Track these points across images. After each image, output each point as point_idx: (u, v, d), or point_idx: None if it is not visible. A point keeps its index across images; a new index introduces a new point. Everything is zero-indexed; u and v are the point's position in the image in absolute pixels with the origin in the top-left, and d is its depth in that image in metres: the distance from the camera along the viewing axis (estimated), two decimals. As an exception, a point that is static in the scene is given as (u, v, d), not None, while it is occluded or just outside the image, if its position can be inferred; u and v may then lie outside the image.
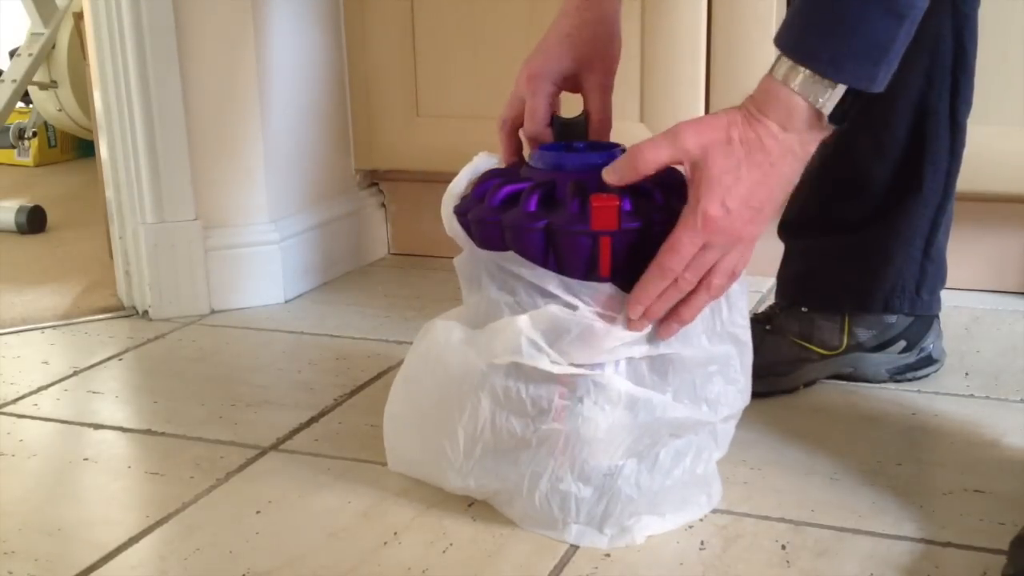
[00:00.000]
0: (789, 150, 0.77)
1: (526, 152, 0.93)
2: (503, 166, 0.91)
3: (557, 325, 0.81)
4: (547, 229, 0.81)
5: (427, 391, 0.91)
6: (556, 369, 0.81)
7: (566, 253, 0.82)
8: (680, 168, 0.81)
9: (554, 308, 0.82)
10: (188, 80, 1.44)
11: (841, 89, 0.75)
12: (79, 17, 1.66)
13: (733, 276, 0.83)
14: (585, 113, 0.94)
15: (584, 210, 0.80)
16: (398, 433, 0.97)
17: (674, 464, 0.87)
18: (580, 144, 0.90)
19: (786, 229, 1.18)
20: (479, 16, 1.59)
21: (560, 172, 0.85)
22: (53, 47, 2.47)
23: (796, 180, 0.80)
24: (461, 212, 0.87)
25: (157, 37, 1.40)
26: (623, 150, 0.85)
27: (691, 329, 0.84)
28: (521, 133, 0.94)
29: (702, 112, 1.46)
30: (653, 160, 0.79)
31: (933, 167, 1.09)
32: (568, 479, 0.85)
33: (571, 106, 0.95)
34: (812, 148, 0.78)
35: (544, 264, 0.83)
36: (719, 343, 0.87)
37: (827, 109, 0.76)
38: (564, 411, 0.83)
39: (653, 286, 0.80)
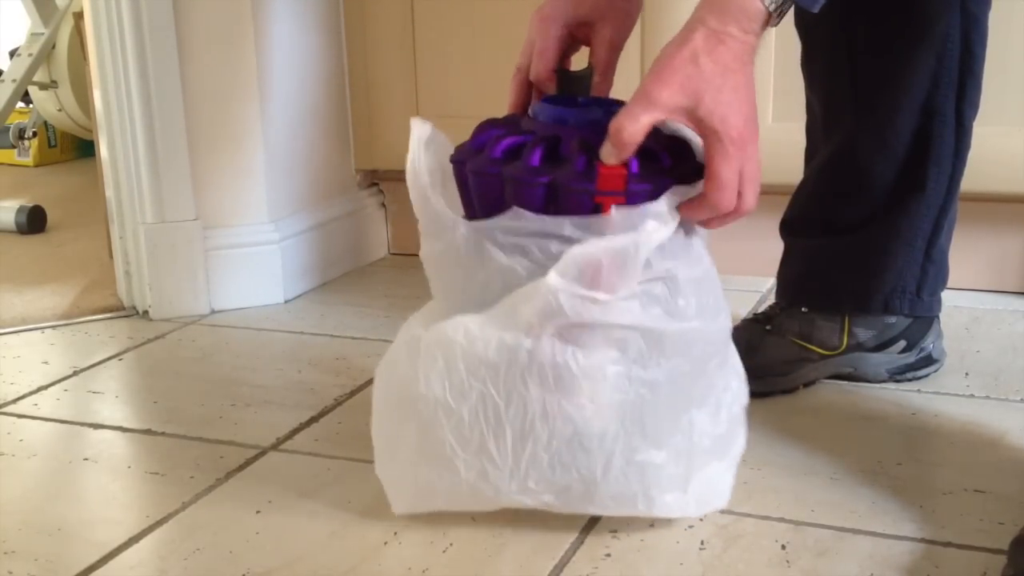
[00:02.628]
0: (750, 50, 0.79)
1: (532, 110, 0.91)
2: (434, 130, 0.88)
3: (586, 264, 0.78)
4: (550, 185, 0.80)
5: (444, 404, 0.84)
6: (604, 301, 0.78)
7: (568, 211, 0.80)
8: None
9: (575, 249, 0.78)
10: (188, 80, 1.44)
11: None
12: (79, 17, 1.66)
13: (759, 182, 0.83)
14: (590, 67, 0.92)
15: (590, 168, 0.79)
16: (403, 468, 0.88)
17: (720, 404, 0.86)
18: (582, 99, 0.88)
19: (787, 228, 1.18)
20: (479, 16, 1.60)
21: (563, 127, 0.83)
22: (53, 47, 2.48)
23: None
24: (457, 161, 0.84)
25: (157, 37, 1.40)
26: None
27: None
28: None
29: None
30: (634, 131, 0.78)
31: (937, 169, 1.09)
32: (642, 447, 0.83)
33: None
34: (756, 48, 0.80)
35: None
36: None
37: (778, 8, 0.78)
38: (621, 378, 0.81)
39: (706, 215, 0.81)
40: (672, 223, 0.80)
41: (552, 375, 0.81)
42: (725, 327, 0.87)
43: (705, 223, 0.83)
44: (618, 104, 0.85)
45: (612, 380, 0.81)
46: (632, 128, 0.78)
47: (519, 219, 0.81)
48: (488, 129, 0.86)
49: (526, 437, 0.82)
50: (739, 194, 0.80)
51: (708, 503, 0.88)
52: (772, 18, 0.78)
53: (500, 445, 0.83)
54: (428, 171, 0.85)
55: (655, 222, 0.79)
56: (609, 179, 0.79)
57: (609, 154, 0.79)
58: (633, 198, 0.79)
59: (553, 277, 0.78)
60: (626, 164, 0.79)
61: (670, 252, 0.82)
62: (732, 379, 0.88)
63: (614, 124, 0.79)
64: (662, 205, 0.79)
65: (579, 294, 0.78)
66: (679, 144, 0.82)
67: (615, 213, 0.79)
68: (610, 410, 0.82)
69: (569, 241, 0.79)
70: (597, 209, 0.79)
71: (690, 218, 0.82)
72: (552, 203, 0.80)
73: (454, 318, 0.84)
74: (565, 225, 0.79)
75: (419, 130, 0.87)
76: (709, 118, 0.77)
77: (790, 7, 0.79)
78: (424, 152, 0.86)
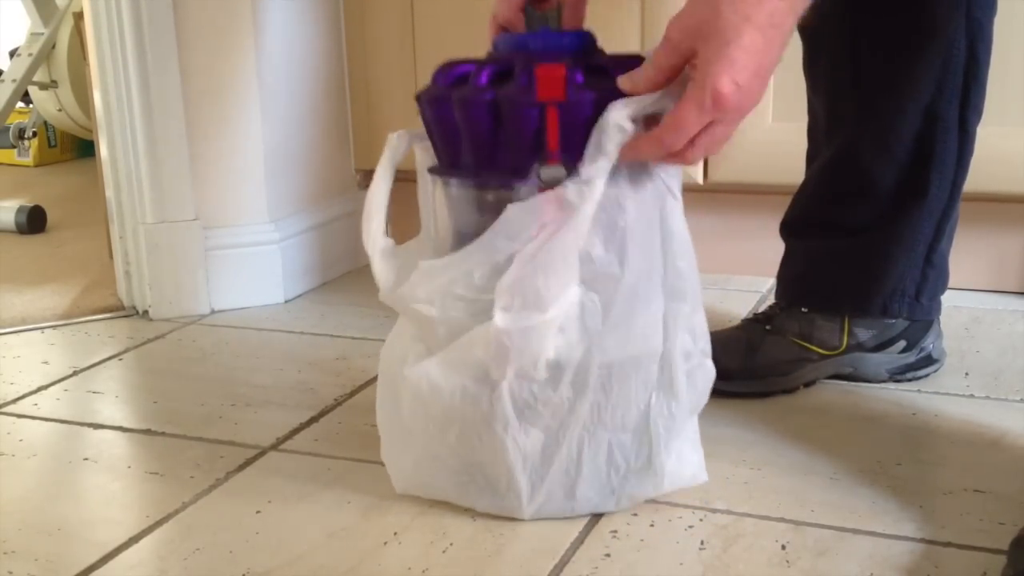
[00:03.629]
0: (793, 9, 0.74)
1: None
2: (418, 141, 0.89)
3: (520, 282, 0.79)
4: (494, 102, 0.79)
5: (428, 432, 0.89)
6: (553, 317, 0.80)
7: (513, 127, 0.79)
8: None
9: (506, 278, 0.79)
10: (188, 80, 1.44)
11: None
12: (79, 17, 1.66)
13: (722, 145, 0.79)
14: (558, 6, 0.91)
15: (533, 82, 0.78)
16: (400, 452, 0.94)
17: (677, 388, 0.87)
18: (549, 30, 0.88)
19: (787, 229, 1.18)
20: (479, 16, 1.59)
21: (521, 53, 0.82)
22: (53, 47, 2.48)
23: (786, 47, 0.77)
24: (434, 98, 0.84)
25: (157, 37, 1.40)
26: (591, 35, 0.83)
27: None
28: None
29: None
30: (648, 64, 0.76)
31: (940, 174, 1.08)
32: (605, 435, 0.86)
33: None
34: (801, 12, 0.75)
35: (491, 142, 0.80)
36: None
37: None
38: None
39: (650, 155, 0.78)
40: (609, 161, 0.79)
41: (515, 414, 0.84)
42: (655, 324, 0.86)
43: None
44: (585, 33, 0.84)
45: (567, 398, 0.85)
46: (647, 63, 0.76)
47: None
48: (452, 67, 0.84)
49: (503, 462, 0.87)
50: (691, 143, 0.76)
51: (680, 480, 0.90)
52: None
53: (488, 466, 0.88)
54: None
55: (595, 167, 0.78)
56: (547, 82, 0.77)
57: (625, 80, 0.78)
58: (576, 108, 0.78)
59: (499, 318, 0.80)
60: (567, 70, 0.78)
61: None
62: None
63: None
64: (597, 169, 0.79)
65: (526, 325, 0.80)
66: (630, 63, 0.81)
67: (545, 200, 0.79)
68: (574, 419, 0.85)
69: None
70: (542, 124, 0.78)
71: (630, 156, 0.79)
72: (499, 123, 0.79)
73: (418, 363, 0.87)
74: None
75: (396, 141, 0.89)
76: (704, 65, 0.73)
77: None
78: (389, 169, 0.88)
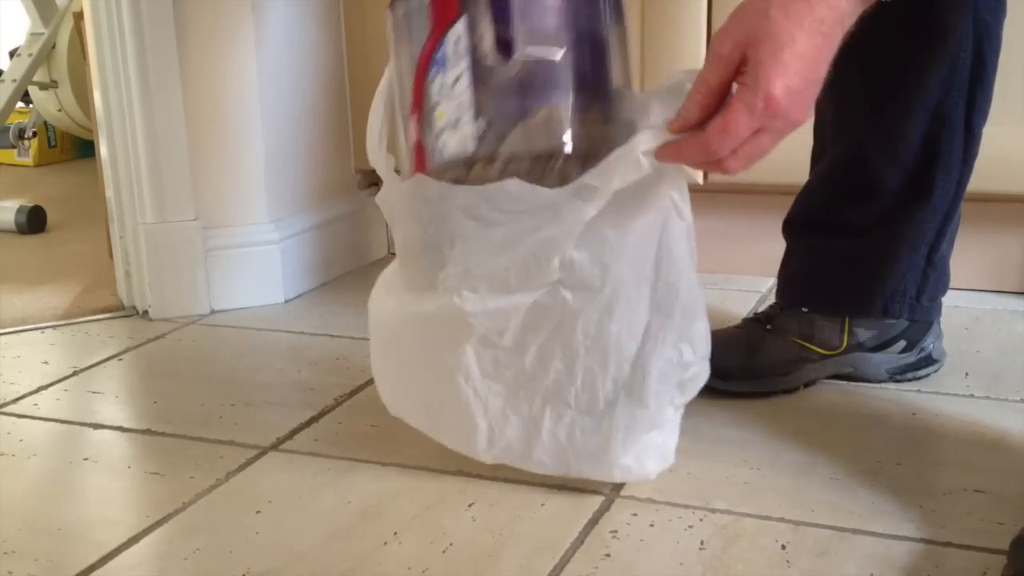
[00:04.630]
0: (838, 19, 0.73)
1: None
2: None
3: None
4: None
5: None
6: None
7: None
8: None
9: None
10: (188, 80, 1.44)
11: None
12: (79, 17, 1.66)
13: (762, 157, 0.78)
14: None
15: None
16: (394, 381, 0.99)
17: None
18: None
19: (790, 228, 1.18)
20: (479, 16, 1.59)
21: None
22: (53, 47, 2.48)
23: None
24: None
25: (157, 37, 1.40)
26: None
27: None
28: None
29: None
30: (705, 90, 0.75)
31: (945, 176, 1.08)
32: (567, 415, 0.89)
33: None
34: (852, 21, 0.74)
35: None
36: None
37: None
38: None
39: (691, 160, 0.77)
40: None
41: (478, 369, 0.89)
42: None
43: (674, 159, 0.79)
44: None
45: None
46: (692, 90, 0.76)
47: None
48: None
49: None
50: (734, 150, 0.76)
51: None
52: None
53: (450, 407, 0.92)
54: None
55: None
56: None
57: (676, 122, 0.78)
58: None
59: (466, 300, 0.85)
60: None
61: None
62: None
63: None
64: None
65: (492, 307, 0.85)
66: None
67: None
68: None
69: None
70: None
71: (669, 159, 0.78)
72: None
73: (392, 296, 0.93)
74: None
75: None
76: (755, 68, 0.72)
77: None
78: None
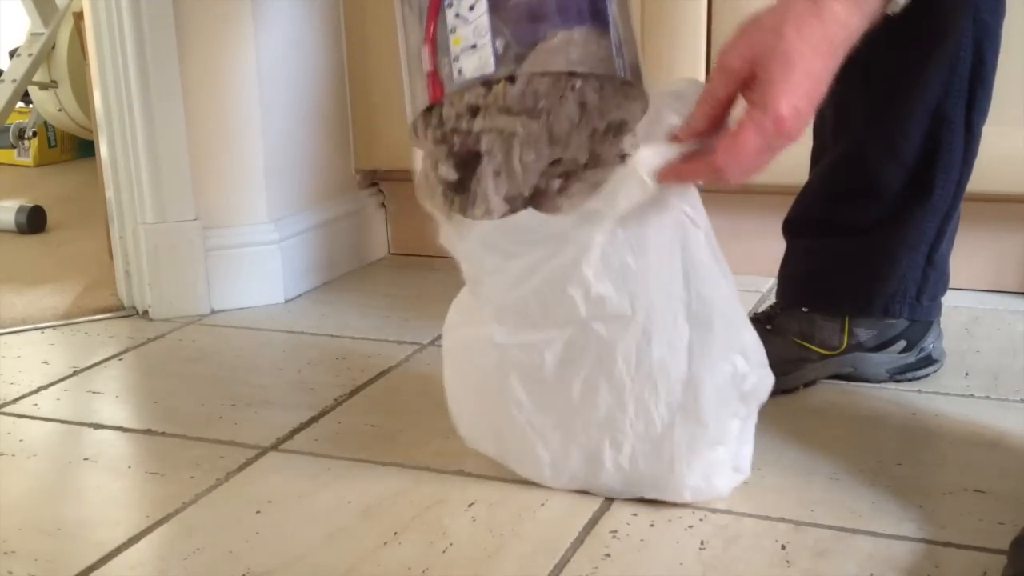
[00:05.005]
0: (846, 38, 0.73)
1: None
2: None
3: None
4: None
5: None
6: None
7: None
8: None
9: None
10: (188, 80, 1.44)
11: None
12: (79, 17, 1.66)
13: (760, 172, 0.78)
14: None
15: None
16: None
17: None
18: None
19: (790, 228, 1.18)
20: (479, 16, 1.59)
21: None
22: (53, 47, 2.48)
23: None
24: None
25: (157, 37, 1.40)
26: None
27: None
28: None
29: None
30: (713, 102, 0.75)
31: (945, 175, 1.08)
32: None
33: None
34: (858, 37, 0.74)
35: None
36: None
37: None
38: None
39: (697, 180, 0.77)
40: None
41: (528, 400, 0.90)
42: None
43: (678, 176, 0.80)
44: None
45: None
46: (700, 101, 0.76)
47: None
48: None
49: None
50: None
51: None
52: (888, 5, 0.72)
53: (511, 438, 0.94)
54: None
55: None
56: None
57: (683, 129, 0.78)
58: None
59: (497, 334, 0.87)
60: None
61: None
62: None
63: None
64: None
65: (524, 341, 0.87)
66: None
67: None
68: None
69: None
70: None
71: (674, 182, 0.78)
72: None
73: (457, 328, 0.94)
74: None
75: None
76: (765, 87, 0.72)
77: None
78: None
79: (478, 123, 0.79)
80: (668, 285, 0.85)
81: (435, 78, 0.79)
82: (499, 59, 0.77)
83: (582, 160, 0.81)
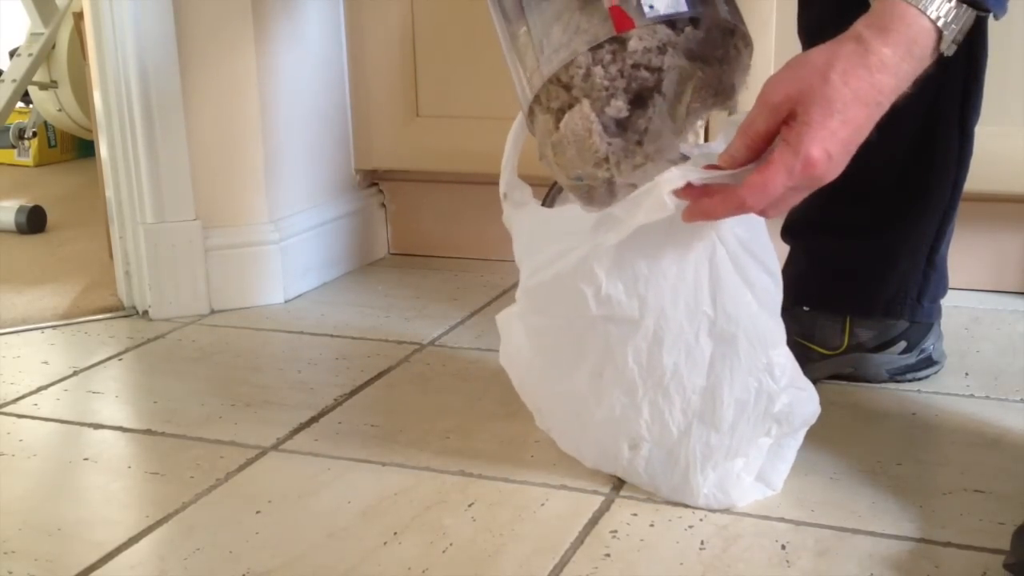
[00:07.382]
0: (894, 88, 0.72)
1: None
2: None
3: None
4: None
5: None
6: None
7: None
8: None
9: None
10: (188, 79, 1.44)
11: (972, 16, 0.70)
12: (79, 17, 1.65)
13: (785, 211, 0.79)
14: None
15: None
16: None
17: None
18: None
19: (789, 232, 1.18)
20: (479, 16, 1.59)
21: None
22: (53, 47, 2.47)
23: None
24: None
25: (157, 37, 1.40)
26: None
27: None
28: None
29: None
30: (753, 134, 0.75)
31: (941, 175, 1.08)
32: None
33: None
34: (908, 85, 0.73)
35: None
36: None
37: (952, 39, 0.71)
38: None
39: (725, 213, 0.77)
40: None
41: None
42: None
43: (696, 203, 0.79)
44: None
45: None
46: (741, 132, 0.76)
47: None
48: None
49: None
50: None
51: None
52: (941, 43, 0.71)
53: None
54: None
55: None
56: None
57: (724, 157, 0.78)
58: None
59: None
60: None
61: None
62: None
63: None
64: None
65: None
66: None
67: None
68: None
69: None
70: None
71: (700, 218, 0.79)
72: None
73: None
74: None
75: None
76: (801, 129, 0.72)
77: (964, 30, 0.71)
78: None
79: (667, 60, 0.77)
80: (689, 298, 0.86)
81: (620, 11, 0.78)
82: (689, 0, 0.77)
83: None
